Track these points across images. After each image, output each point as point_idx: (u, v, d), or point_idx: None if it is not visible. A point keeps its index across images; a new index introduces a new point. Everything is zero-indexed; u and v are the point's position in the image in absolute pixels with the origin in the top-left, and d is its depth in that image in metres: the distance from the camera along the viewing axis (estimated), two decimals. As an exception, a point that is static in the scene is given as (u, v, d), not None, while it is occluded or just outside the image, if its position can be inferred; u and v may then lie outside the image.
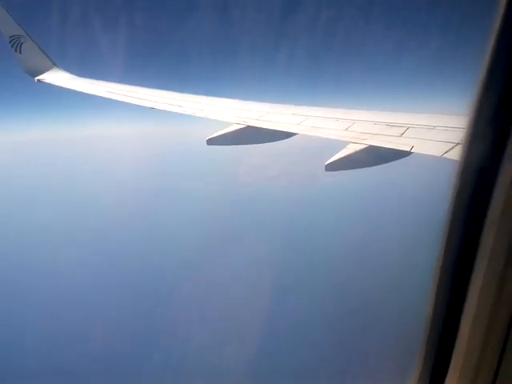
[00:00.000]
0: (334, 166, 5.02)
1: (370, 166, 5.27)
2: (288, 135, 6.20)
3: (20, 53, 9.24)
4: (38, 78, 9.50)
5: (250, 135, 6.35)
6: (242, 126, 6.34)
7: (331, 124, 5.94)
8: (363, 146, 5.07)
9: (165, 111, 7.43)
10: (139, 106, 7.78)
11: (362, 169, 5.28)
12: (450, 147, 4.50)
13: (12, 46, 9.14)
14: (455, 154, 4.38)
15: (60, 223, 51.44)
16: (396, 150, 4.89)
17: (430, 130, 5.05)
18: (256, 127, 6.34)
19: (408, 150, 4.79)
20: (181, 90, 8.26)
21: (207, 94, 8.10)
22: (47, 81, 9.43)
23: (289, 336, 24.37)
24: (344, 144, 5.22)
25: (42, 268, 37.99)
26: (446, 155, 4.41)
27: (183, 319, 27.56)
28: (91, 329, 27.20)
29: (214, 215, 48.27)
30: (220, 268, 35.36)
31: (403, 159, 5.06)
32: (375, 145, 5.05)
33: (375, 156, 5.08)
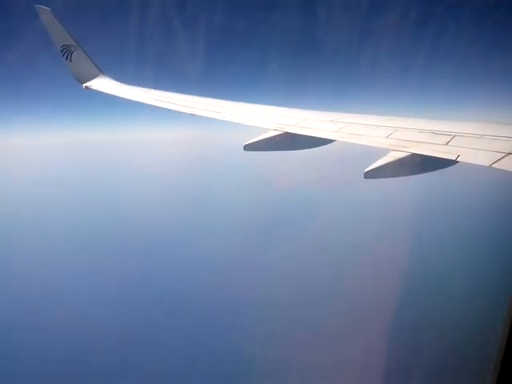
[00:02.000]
0: (373, 174, 4.87)
1: (412, 174, 5.09)
2: (326, 142, 6.11)
3: (70, 61, 9.72)
4: (86, 84, 9.95)
5: (288, 141, 6.32)
6: (280, 133, 6.32)
7: (371, 131, 5.80)
8: (405, 154, 4.90)
9: (204, 117, 7.55)
10: (180, 112, 7.95)
11: (403, 177, 5.11)
12: (500, 157, 4.26)
13: (63, 55, 9.64)
14: (505, 164, 4.14)
15: (103, 221, 53.40)
16: (441, 158, 4.69)
17: (478, 139, 4.81)
18: (294, 133, 6.29)
19: (454, 158, 4.58)
20: (220, 97, 8.37)
21: (246, 100, 8.16)
22: (94, 87, 9.86)
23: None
24: (384, 152, 5.07)
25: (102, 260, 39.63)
26: (494, 165, 4.18)
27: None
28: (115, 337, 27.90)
29: (250, 219, 48.58)
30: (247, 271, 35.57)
31: (448, 168, 4.85)
32: (418, 153, 4.87)
33: (418, 164, 4.89)
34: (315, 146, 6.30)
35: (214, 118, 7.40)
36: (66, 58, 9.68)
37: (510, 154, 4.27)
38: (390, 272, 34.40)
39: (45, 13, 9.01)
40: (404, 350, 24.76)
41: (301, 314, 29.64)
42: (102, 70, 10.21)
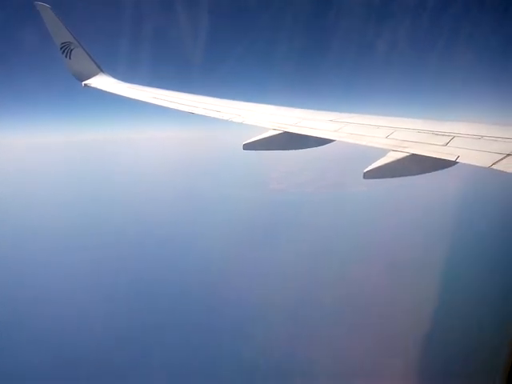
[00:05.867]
0: (373, 174, 4.86)
1: (412, 175, 5.07)
2: (325, 142, 6.10)
3: (70, 58, 9.69)
4: (85, 82, 9.92)
5: (287, 141, 6.31)
6: (279, 132, 6.31)
7: (370, 131, 5.79)
8: (405, 155, 4.89)
9: (203, 116, 7.53)
10: (179, 110, 7.93)
11: (403, 178, 5.09)
12: (500, 158, 4.25)
13: (62, 52, 9.60)
14: (504, 166, 4.14)
15: (99, 219, 53.29)
16: (440, 159, 4.68)
17: (478, 140, 4.80)
18: (293, 133, 6.28)
19: (453, 159, 4.57)
20: (219, 96, 8.36)
21: (245, 99, 8.15)
22: (93, 85, 9.83)
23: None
24: (384, 152, 5.06)
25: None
26: (494, 166, 4.17)
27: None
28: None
29: (249, 218, 48.48)
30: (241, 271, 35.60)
31: (448, 169, 4.84)
32: (418, 153, 4.85)
33: (417, 165, 4.88)
34: (314, 146, 6.29)
35: (213, 117, 7.38)
36: (66, 56, 9.65)
37: (509, 155, 4.26)
38: (387, 270, 34.47)
39: (45, 10, 8.97)
40: (407, 351, 24.90)
41: (298, 315, 29.70)
42: (101, 68, 10.19)
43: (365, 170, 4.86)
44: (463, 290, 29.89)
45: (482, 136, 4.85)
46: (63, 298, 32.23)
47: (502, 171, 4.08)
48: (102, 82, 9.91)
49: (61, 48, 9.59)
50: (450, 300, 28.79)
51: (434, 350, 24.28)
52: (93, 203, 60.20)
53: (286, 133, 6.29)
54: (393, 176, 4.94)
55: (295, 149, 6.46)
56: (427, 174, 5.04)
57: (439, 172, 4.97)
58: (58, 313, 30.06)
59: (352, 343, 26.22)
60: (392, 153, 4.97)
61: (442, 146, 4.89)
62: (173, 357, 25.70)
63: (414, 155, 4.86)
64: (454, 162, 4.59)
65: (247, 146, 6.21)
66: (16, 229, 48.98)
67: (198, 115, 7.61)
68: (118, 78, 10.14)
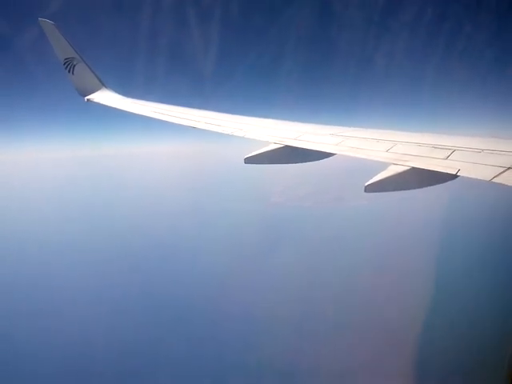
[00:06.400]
0: (374, 188, 4.84)
1: (412, 188, 5.05)
2: (326, 155, 6.11)
3: (73, 74, 9.80)
4: (88, 97, 10.00)
5: (288, 155, 6.31)
6: (280, 146, 6.32)
7: (371, 145, 5.80)
8: (406, 168, 4.89)
9: (205, 130, 7.57)
10: (181, 125, 7.98)
11: (404, 191, 5.09)
12: (500, 171, 4.25)
13: (66, 68, 9.71)
14: (505, 179, 4.13)
15: (102, 233, 53.27)
16: (441, 172, 4.67)
17: (478, 154, 4.81)
18: (294, 147, 6.29)
19: (454, 173, 4.56)
20: (221, 111, 8.41)
21: (246, 114, 8.20)
22: (96, 100, 9.91)
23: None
24: (385, 166, 5.06)
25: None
26: (495, 179, 4.16)
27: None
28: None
29: (250, 232, 48.35)
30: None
31: (448, 183, 4.83)
32: (418, 167, 4.85)
33: (418, 179, 4.87)
34: (315, 160, 6.29)
35: (215, 131, 7.42)
36: (69, 71, 9.75)
37: (510, 168, 4.26)
38: (389, 284, 34.22)
39: (48, 26, 9.10)
40: (407, 352, 24.98)
41: (299, 328, 29.48)
42: (103, 83, 10.29)
43: (366, 184, 4.85)
44: (465, 300, 29.88)
45: (483, 149, 4.86)
46: (69, 311, 32.30)
47: (503, 184, 4.07)
48: (104, 96, 9.99)
49: (64, 63, 9.69)
50: (452, 310, 28.81)
51: (441, 357, 24.37)
52: (96, 217, 60.26)
53: (287, 147, 6.30)
54: (394, 189, 4.93)
55: (296, 162, 6.46)
56: (428, 188, 5.03)
57: (440, 185, 4.97)
58: (62, 325, 30.12)
59: (355, 351, 26.18)
60: (393, 166, 4.97)
61: (443, 159, 4.89)
62: (173, 370, 25.67)
63: (414, 169, 4.85)
64: (455, 176, 4.58)
65: (248, 160, 6.21)
66: (21, 243, 48.99)
67: (199, 129, 7.64)
68: (121, 93, 10.24)
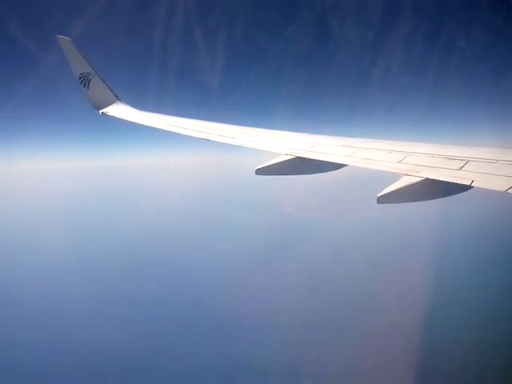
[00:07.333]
0: (386, 199, 4.80)
1: (425, 200, 5.00)
2: (338, 166, 6.09)
3: (88, 88, 10.01)
4: (103, 110, 10.19)
5: (299, 166, 6.31)
6: (292, 157, 6.33)
7: (383, 156, 5.77)
8: (419, 179, 4.84)
9: (217, 142, 7.64)
10: (194, 137, 8.08)
11: (417, 203, 5.03)
12: (516, 182, 4.18)
13: (81, 82, 9.94)
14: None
15: (113, 242, 53.72)
16: (455, 183, 4.62)
17: (492, 164, 4.74)
18: (305, 158, 6.29)
19: (468, 184, 4.51)
20: (233, 123, 8.50)
21: (258, 126, 8.26)
22: (110, 113, 10.09)
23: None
24: (397, 177, 5.02)
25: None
26: (510, 190, 4.10)
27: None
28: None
29: (262, 243, 48.22)
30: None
31: (462, 194, 4.76)
32: (432, 178, 4.80)
33: (431, 190, 4.81)
34: (327, 171, 6.28)
35: (227, 143, 7.48)
36: (84, 86, 9.96)
37: None
38: (400, 294, 33.71)
39: (66, 43, 9.34)
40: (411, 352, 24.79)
41: (308, 336, 29.21)
42: (118, 97, 10.48)
43: (379, 195, 4.81)
44: (478, 312, 29.44)
45: (497, 160, 4.79)
46: (80, 318, 32.58)
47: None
48: (118, 110, 10.17)
49: (79, 78, 9.91)
50: (466, 322, 28.44)
51: (449, 364, 24.28)
52: (109, 228, 60.85)
53: (298, 158, 6.31)
54: (407, 201, 4.87)
55: (307, 174, 6.45)
56: (442, 199, 4.97)
57: (454, 196, 4.91)
58: (71, 335, 30.31)
59: (368, 361, 25.98)
60: (406, 177, 4.93)
61: (457, 170, 4.83)
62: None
63: (428, 179, 4.80)
64: (469, 187, 4.53)
65: (260, 171, 6.22)
66: (31, 254, 49.62)
67: (212, 141, 7.72)
68: (134, 107, 10.41)
